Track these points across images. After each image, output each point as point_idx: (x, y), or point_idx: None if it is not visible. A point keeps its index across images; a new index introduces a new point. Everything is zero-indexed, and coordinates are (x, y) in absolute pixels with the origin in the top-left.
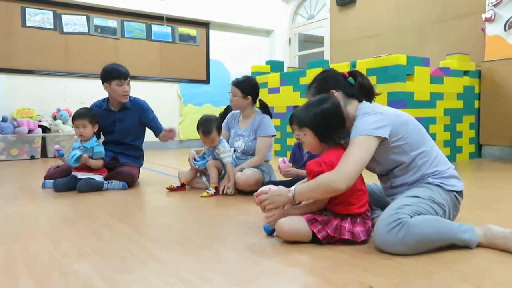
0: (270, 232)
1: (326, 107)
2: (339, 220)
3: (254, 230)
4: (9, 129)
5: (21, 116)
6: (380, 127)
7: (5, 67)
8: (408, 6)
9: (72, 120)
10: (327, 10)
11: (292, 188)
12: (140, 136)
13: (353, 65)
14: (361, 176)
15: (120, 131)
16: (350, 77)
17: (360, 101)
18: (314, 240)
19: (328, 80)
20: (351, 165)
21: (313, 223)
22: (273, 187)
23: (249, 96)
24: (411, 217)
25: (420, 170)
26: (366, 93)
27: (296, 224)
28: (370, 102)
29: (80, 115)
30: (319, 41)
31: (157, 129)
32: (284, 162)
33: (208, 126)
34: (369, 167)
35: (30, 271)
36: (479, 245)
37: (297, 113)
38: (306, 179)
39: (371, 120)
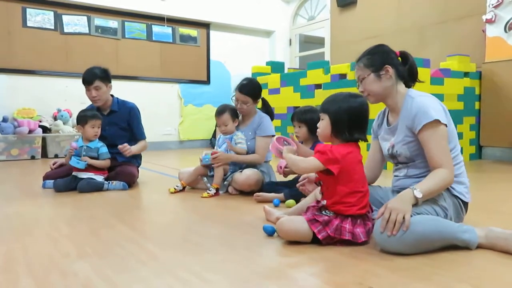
0: (271, 232)
1: (353, 105)
2: (339, 221)
3: (254, 231)
4: (10, 129)
5: (22, 116)
6: (442, 114)
7: (5, 67)
8: (408, 7)
9: (86, 121)
10: (327, 11)
11: (418, 189)
12: (134, 138)
13: (354, 66)
14: (363, 177)
15: (111, 135)
16: (400, 57)
17: (408, 86)
18: (315, 241)
19: (383, 54)
20: (450, 159)
21: (314, 223)
22: None
23: (258, 100)
24: (411, 216)
25: None
26: (412, 76)
27: (296, 224)
28: (411, 87)
29: (85, 119)
30: (319, 42)
31: (136, 137)
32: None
33: (222, 107)
34: (395, 153)
35: (30, 271)
36: (480, 246)
37: (324, 101)
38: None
39: (437, 106)
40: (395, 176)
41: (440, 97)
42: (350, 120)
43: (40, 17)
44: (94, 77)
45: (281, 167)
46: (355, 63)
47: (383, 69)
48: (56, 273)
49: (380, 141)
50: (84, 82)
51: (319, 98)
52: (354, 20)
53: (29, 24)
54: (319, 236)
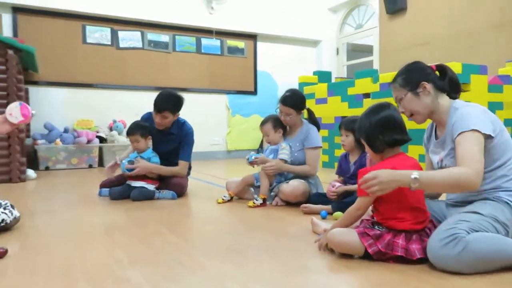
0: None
1: (379, 116)
2: (391, 236)
3: (301, 243)
4: (70, 139)
5: (81, 127)
6: (487, 124)
7: (67, 81)
8: (462, 12)
9: (127, 135)
10: (376, 18)
11: (415, 174)
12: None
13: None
14: (420, 194)
15: (164, 152)
16: (437, 71)
17: (452, 97)
18: (367, 256)
19: (417, 72)
20: (479, 163)
21: (365, 237)
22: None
23: (302, 111)
24: (468, 233)
25: (496, 181)
26: (455, 88)
27: (347, 236)
28: (457, 98)
29: (131, 131)
30: (367, 50)
31: (179, 156)
32: (333, 187)
33: (266, 118)
34: (444, 166)
35: (87, 276)
36: None
37: (359, 122)
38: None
39: (480, 116)
40: None
41: (499, 105)
42: (381, 132)
43: (98, 33)
44: (165, 108)
45: (333, 186)
46: (391, 83)
47: (419, 87)
48: (111, 280)
49: (430, 154)
50: (154, 106)
51: (367, 108)
52: (404, 27)
53: (88, 40)
54: (370, 251)
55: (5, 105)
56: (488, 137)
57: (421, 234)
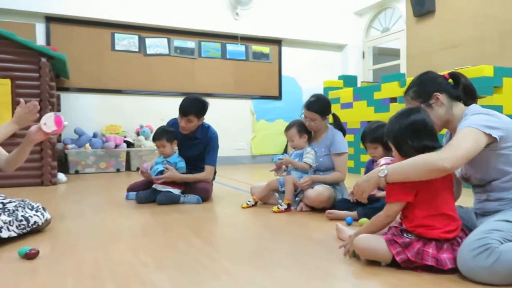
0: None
1: (409, 120)
2: (421, 244)
3: (325, 249)
4: (99, 144)
5: (109, 132)
6: (492, 126)
7: (97, 87)
8: (492, 12)
9: (153, 140)
10: (403, 21)
11: (383, 167)
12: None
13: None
14: (447, 197)
15: (188, 157)
16: (451, 79)
17: (467, 104)
18: (395, 263)
19: (429, 83)
20: (459, 148)
21: (393, 244)
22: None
23: (327, 117)
24: (501, 243)
25: None
26: (470, 95)
27: (374, 242)
28: (475, 104)
29: (157, 137)
30: (394, 54)
31: (204, 161)
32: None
33: (290, 123)
34: (465, 175)
35: (114, 279)
36: None
37: (389, 124)
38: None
39: (484, 118)
40: (476, 199)
41: None
42: (410, 138)
43: (126, 41)
44: (190, 112)
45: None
46: (403, 95)
47: (432, 98)
48: (137, 282)
49: None
50: (180, 110)
51: (394, 112)
52: (432, 30)
53: (116, 47)
54: (397, 259)
55: (39, 111)
56: (494, 141)
57: (452, 243)
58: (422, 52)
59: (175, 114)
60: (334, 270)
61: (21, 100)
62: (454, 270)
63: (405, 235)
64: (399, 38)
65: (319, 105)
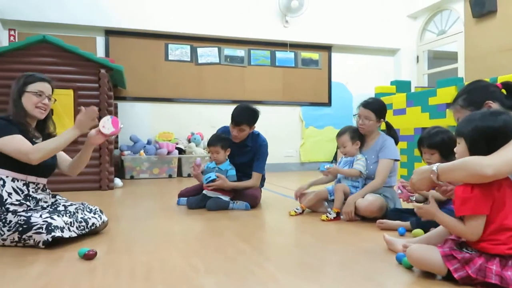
0: (404, 263)
1: (492, 125)
2: (483, 260)
3: (376, 260)
4: (152, 151)
5: (162, 139)
6: None
7: (151, 96)
8: None
9: (207, 146)
10: (461, 23)
11: (435, 165)
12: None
13: (494, 82)
14: None
15: (238, 164)
16: (503, 89)
17: None
18: (450, 276)
19: (481, 91)
20: (501, 159)
21: (450, 260)
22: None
23: (382, 120)
24: None
25: None
26: None
27: (428, 253)
28: None
29: (212, 143)
30: (451, 57)
31: (253, 168)
32: (403, 189)
33: (343, 129)
34: None
35: (166, 282)
36: None
37: (460, 122)
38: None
39: None
40: None
41: None
42: (490, 143)
43: (179, 51)
44: (243, 121)
45: (404, 187)
46: (451, 104)
47: (484, 106)
48: (186, 286)
49: None
50: (232, 119)
51: (451, 119)
52: (493, 31)
53: (170, 57)
54: (455, 276)
55: (98, 119)
56: None
57: None
58: (481, 54)
59: (226, 121)
60: (386, 282)
61: (82, 108)
62: None
63: (464, 249)
64: (456, 40)
65: (376, 105)
